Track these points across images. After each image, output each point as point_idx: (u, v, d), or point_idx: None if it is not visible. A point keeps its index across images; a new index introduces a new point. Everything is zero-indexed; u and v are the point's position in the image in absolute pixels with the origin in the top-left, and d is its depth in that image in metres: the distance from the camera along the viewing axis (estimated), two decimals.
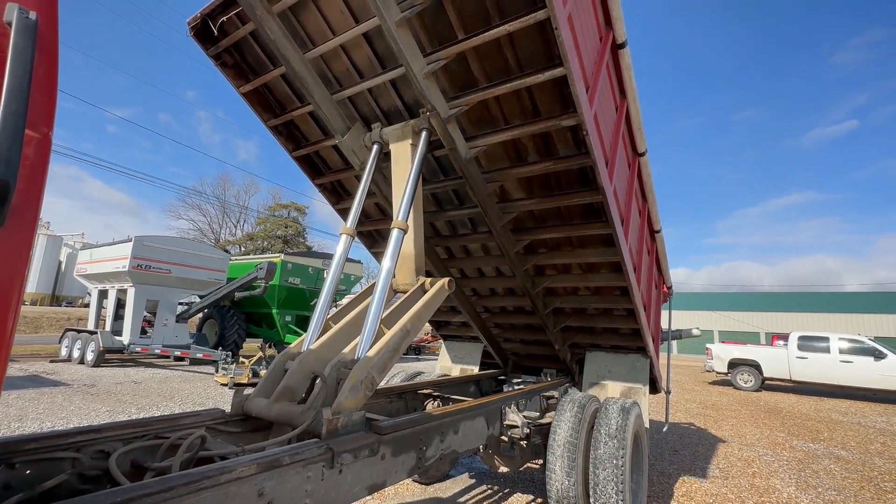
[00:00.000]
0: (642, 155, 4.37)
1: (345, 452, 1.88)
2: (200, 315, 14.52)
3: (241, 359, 11.02)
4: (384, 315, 2.75)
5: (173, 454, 1.84)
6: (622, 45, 3.64)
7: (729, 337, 35.57)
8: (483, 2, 2.62)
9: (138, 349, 11.77)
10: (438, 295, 2.99)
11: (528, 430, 3.54)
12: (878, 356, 13.03)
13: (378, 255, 4.96)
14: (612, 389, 4.62)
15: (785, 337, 17.23)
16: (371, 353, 2.37)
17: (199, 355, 11.18)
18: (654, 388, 5.36)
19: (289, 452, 1.67)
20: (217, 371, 10.35)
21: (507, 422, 3.48)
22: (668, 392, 5.63)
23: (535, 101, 3.03)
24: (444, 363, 5.80)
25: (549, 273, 4.38)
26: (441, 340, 6.14)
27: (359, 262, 17.41)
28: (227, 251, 39.50)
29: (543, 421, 3.86)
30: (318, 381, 2.33)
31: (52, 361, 12.34)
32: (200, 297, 13.90)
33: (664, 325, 6.52)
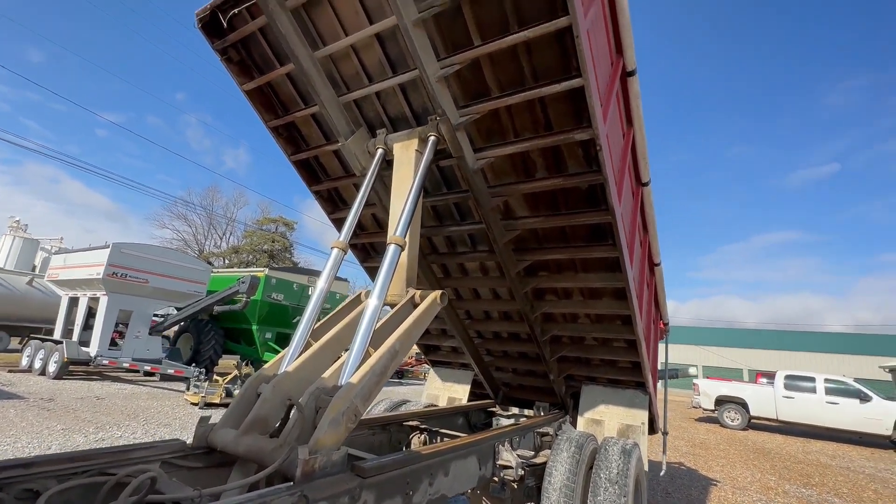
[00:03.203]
0: (646, 185, 4.27)
1: (321, 500, 1.58)
2: (176, 328, 13.88)
3: (215, 377, 10.44)
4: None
5: (117, 495, 1.51)
6: (632, 73, 3.56)
7: (712, 372, 35.54)
8: (502, 8, 2.49)
9: (105, 362, 11.11)
10: (430, 310, 2.75)
11: (523, 471, 3.23)
12: (864, 399, 12.98)
13: (371, 270, 4.70)
14: (610, 427, 4.34)
15: (769, 375, 17.19)
16: (355, 378, 2.09)
17: (171, 371, 10.57)
18: (652, 427, 5.10)
19: (256, 501, 1.37)
20: (188, 389, 9.77)
21: (500, 461, 3.18)
22: (665, 432, 5.36)
23: (548, 114, 2.88)
24: (432, 391, 5.47)
25: (549, 298, 4.16)
26: (426, 365, 5.83)
27: (345, 280, 17.02)
28: (210, 263, 38.59)
29: (538, 460, 3.56)
30: (294, 410, 2.03)
31: (10, 371, 11.56)
32: (178, 308, 13.31)
33: (659, 361, 6.31)
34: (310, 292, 14.63)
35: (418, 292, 2.86)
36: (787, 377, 14.46)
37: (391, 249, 2.58)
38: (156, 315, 13.17)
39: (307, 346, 2.60)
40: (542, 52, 2.62)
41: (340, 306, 2.99)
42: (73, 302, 12.83)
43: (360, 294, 3.13)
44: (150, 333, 12.29)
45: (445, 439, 3.57)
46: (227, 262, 42.19)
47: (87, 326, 12.17)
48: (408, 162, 3.05)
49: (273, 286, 13.71)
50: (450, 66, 2.69)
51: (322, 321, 2.87)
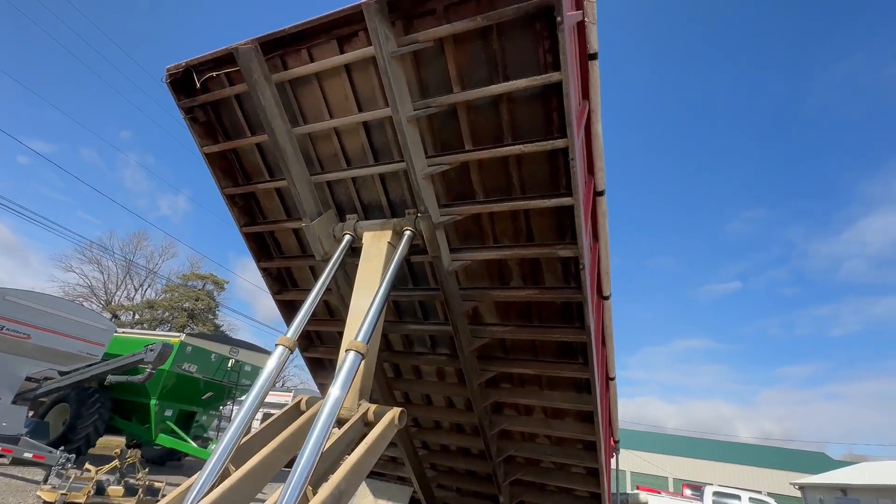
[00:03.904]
0: (606, 298, 4.29)
1: None
2: (50, 396, 11.54)
3: (88, 465, 8.46)
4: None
5: None
6: (601, 193, 3.72)
7: (640, 479, 35.20)
8: (499, 120, 2.49)
9: None
10: (385, 434, 2.33)
11: None
12: None
13: (312, 362, 4.17)
14: None
15: (695, 487, 17.22)
16: None
17: (28, 454, 8.48)
18: None
19: None
20: (45, 480, 7.78)
21: None
22: None
23: (531, 225, 2.81)
24: None
25: (509, 413, 3.82)
26: None
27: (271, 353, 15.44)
28: (116, 317, 34.14)
29: None
30: None
31: None
32: (61, 373, 11.17)
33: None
34: (230, 365, 13.02)
35: (372, 408, 2.43)
36: (716, 493, 14.49)
37: (350, 357, 2.20)
38: (30, 378, 10.95)
39: (224, 472, 2.04)
40: (533, 166, 2.61)
41: (274, 418, 2.47)
42: None
43: (299, 402, 2.64)
44: (13, 402, 10.04)
45: None
46: (137, 316, 37.65)
47: None
48: (378, 254, 2.80)
49: (187, 355, 12.02)
50: (438, 166, 2.60)
51: (249, 436, 2.32)
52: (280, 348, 2.41)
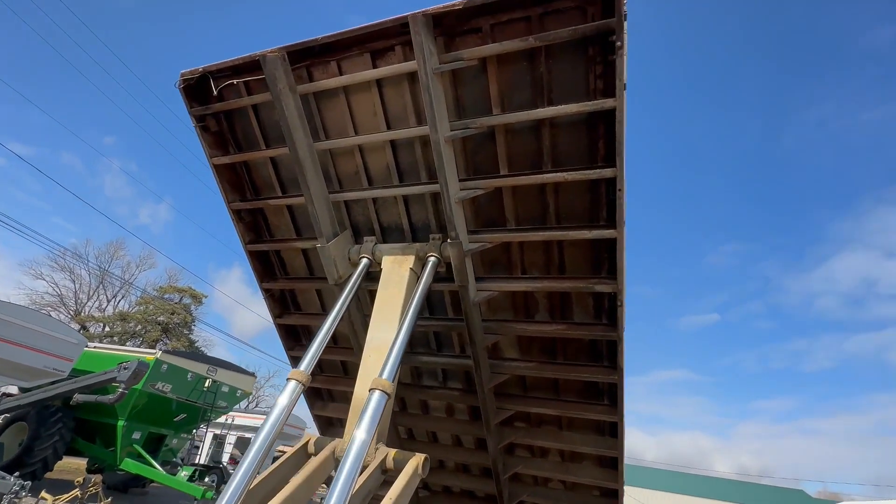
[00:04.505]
0: None
1: None
2: (8, 415, 10.71)
3: (44, 494, 7.75)
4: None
5: None
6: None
7: None
8: (539, 145, 2.37)
9: None
10: (411, 484, 2.10)
11: None
12: None
13: (309, 391, 3.86)
14: None
15: None
16: None
17: None
18: None
19: None
20: None
21: None
22: None
23: (564, 257, 2.67)
24: None
25: (521, 454, 3.58)
26: None
27: (252, 374, 14.84)
28: (85, 328, 32.59)
29: None
30: None
31: None
32: (23, 389, 10.42)
33: None
34: (206, 385, 12.33)
35: (391, 454, 2.19)
36: None
37: (376, 397, 1.97)
38: None
39: None
40: (571, 195, 2.48)
41: (280, 462, 2.19)
42: None
43: (307, 442, 2.37)
44: None
45: None
46: (108, 328, 36.00)
47: None
48: (398, 280, 2.60)
49: (162, 373, 11.32)
50: (472, 190, 2.45)
51: (255, 482, 2.04)
52: (292, 383, 2.17)
